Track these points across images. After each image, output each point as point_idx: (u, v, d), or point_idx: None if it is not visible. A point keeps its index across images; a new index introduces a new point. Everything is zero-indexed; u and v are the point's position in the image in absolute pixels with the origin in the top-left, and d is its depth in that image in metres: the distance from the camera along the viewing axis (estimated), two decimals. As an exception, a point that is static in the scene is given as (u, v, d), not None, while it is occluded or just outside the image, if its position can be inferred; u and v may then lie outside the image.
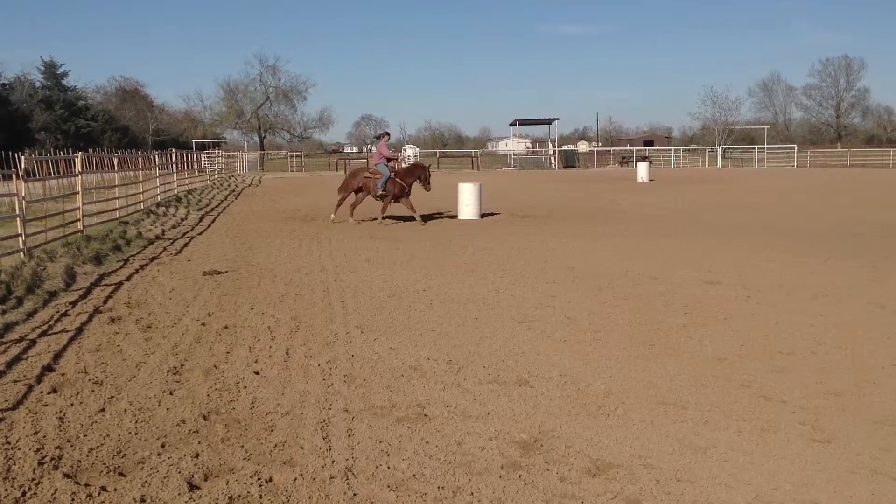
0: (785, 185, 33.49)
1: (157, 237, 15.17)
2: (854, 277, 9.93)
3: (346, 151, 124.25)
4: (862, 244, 13.17)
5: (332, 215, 18.54)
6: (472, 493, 3.92)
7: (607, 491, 3.94)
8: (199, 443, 4.57)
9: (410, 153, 60.11)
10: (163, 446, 4.53)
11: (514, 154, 66.36)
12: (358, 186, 18.36)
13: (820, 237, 14.27)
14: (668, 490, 3.94)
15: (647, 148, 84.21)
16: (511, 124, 69.25)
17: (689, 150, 73.04)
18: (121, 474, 4.17)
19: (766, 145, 65.07)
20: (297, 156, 70.80)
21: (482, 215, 18.76)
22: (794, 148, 63.47)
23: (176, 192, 27.13)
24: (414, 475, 4.12)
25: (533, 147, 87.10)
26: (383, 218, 18.14)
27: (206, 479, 4.10)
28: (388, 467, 4.21)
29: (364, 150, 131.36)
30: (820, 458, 4.33)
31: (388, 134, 19.43)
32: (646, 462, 4.28)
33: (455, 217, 18.90)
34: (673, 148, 73.55)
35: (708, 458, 4.33)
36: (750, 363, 6.18)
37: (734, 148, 72.89)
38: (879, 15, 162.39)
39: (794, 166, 57.78)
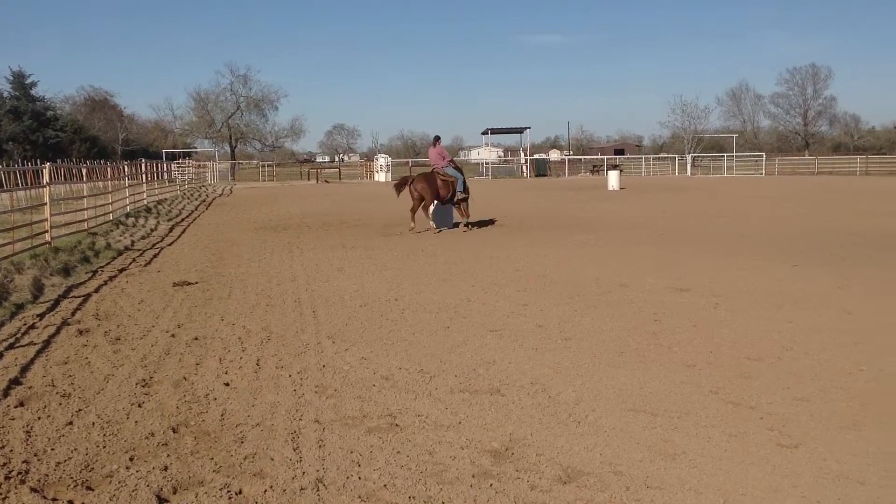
0: (753, 192, 33.83)
1: (127, 248, 15.05)
2: (821, 284, 10.05)
3: (318, 161, 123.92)
4: (829, 251, 13.33)
5: (412, 224, 17.95)
6: (443, 503, 3.92)
7: (578, 498, 3.96)
8: (168, 455, 4.53)
9: (383, 162, 59.99)
10: (131, 459, 4.49)
11: (486, 163, 66.59)
12: (421, 192, 17.94)
13: (788, 244, 14.43)
14: (637, 497, 3.97)
15: (617, 156, 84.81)
16: (483, 133, 69.55)
17: (659, 158, 73.70)
18: (88, 488, 4.13)
19: (734, 153, 65.71)
20: (268, 165, 70.52)
21: (454, 224, 18.77)
22: (762, 156, 64.20)
23: (146, 202, 26.94)
24: (385, 485, 4.12)
25: (505, 156, 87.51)
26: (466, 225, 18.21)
27: (174, 493, 4.06)
28: (359, 478, 4.20)
29: (336, 159, 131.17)
30: (788, 463, 4.38)
31: (438, 137, 19.33)
32: (616, 469, 4.30)
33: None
34: (643, 156, 74.14)
35: (677, 465, 4.36)
36: (718, 369, 6.23)
37: (704, 156, 73.55)
38: (846, 24, 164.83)
39: (762, 174, 58.38)
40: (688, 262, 12.19)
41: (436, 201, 18.21)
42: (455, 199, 18.27)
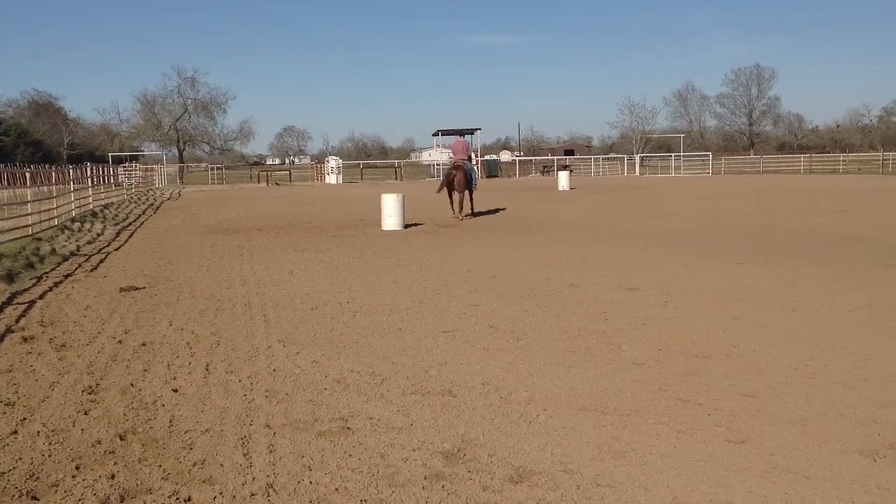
0: (700, 191, 34.31)
1: (73, 253, 14.77)
2: (767, 281, 10.22)
3: (268, 163, 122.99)
4: (774, 249, 13.56)
5: (455, 214, 20.96)
6: (394, 505, 3.92)
7: (529, 498, 3.97)
8: (116, 463, 4.46)
9: (333, 164, 59.72)
10: (77, 468, 4.41)
11: (437, 164, 66.57)
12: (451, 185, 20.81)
13: (734, 242, 14.66)
14: (588, 495, 4.00)
15: (567, 157, 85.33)
16: (434, 134, 69.41)
17: (608, 158, 74.40)
18: (34, 498, 4.04)
19: (682, 153, 66.62)
20: (217, 168, 69.79)
21: (406, 226, 18.76)
22: (709, 155, 65.15)
23: (92, 206, 26.48)
24: (336, 489, 4.10)
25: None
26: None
27: (122, 501, 4.00)
28: (311, 482, 4.18)
29: (287, 161, 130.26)
30: (735, 458, 4.44)
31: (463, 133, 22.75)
32: (567, 468, 4.33)
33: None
34: (593, 156, 74.72)
35: (627, 462, 4.40)
36: (667, 367, 6.31)
37: (652, 156, 74.40)
38: (789, 25, 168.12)
39: (709, 173, 59.24)
40: (637, 261, 12.32)
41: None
42: (473, 188, 21.06)
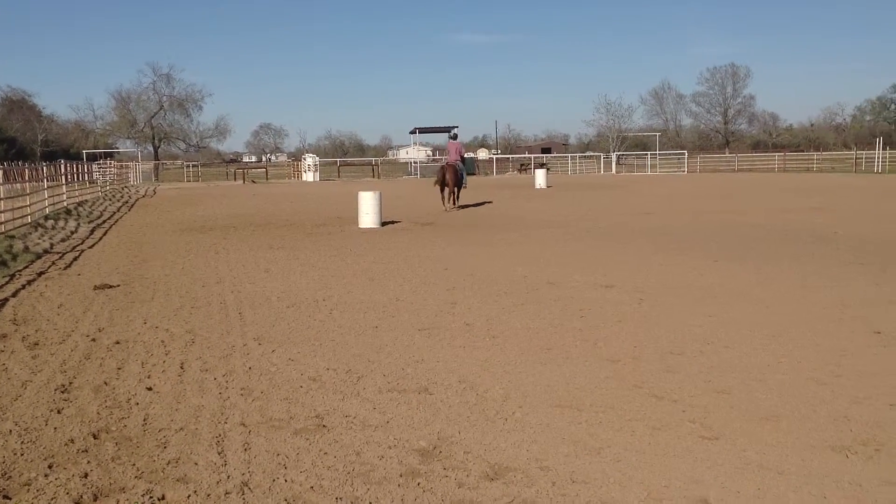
0: (676, 189, 34.51)
1: (46, 251, 14.63)
2: (741, 279, 10.30)
3: (244, 161, 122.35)
4: (748, 247, 13.67)
5: (445, 207, 23.59)
6: (370, 503, 3.91)
7: (504, 495, 3.98)
8: (89, 462, 4.43)
9: (310, 162, 59.52)
10: (50, 467, 4.37)
11: (414, 162, 66.51)
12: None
13: (709, 240, 14.76)
14: (563, 492, 4.01)
15: (544, 155, 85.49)
16: (411, 132, 69.50)
17: (585, 156, 74.65)
18: (6, 497, 4.01)
19: (657, 151, 66.90)
20: (193, 166, 69.36)
21: (383, 223, 18.74)
22: (684, 153, 65.49)
23: (66, 204, 26.23)
24: (312, 487, 4.09)
25: (433, 155, 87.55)
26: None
27: (95, 500, 3.97)
28: (286, 480, 4.16)
29: (263, 158, 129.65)
30: (709, 454, 4.47)
31: (455, 133, 26.30)
32: (542, 465, 4.34)
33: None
34: (570, 155, 74.95)
35: (602, 459, 4.42)
36: (642, 364, 6.34)
37: (628, 154, 74.73)
38: (763, 25, 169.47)
39: (684, 171, 59.53)
40: (613, 259, 12.37)
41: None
42: (462, 186, 24.04)
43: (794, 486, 4.04)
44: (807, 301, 8.75)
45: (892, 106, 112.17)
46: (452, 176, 23.37)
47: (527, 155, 79.44)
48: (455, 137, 25.72)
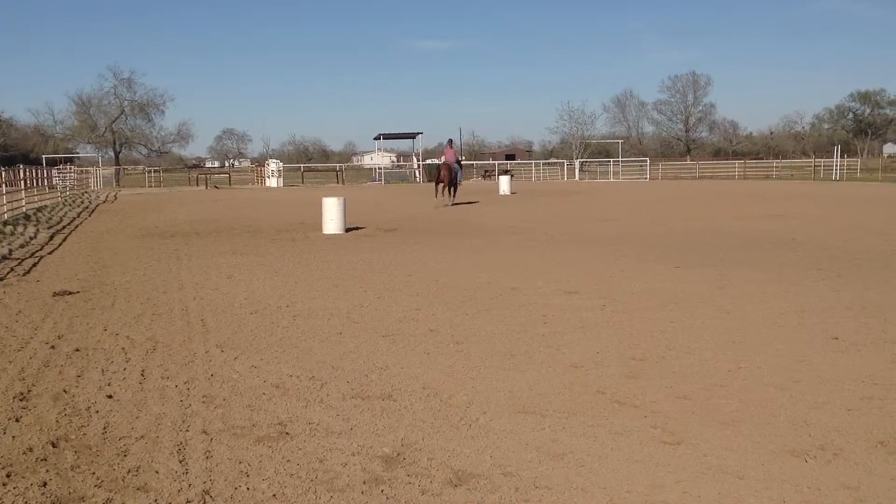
0: (638, 196, 34.81)
1: (4, 257, 14.39)
2: (702, 285, 10.41)
3: (207, 166, 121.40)
4: (709, 253, 13.82)
5: (440, 199, 27.94)
6: (333, 511, 3.90)
7: (468, 501, 3.99)
8: (48, 471, 4.36)
9: (274, 167, 59.19)
10: (8, 476, 4.30)
11: (378, 168, 66.45)
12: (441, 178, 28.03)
13: (671, 246, 14.89)
14: (526, 497, 4.02)
15: (508, 161, 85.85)
16: (375, 138, 69.45)
17: (548, 163, 75.15)
18: (-40, 509, 3.94)
19: (620, 158, 67.49)
20: (155, 171, 68.63)
21: (347, 229, 18.68)
22: (646, 161, 66.15)
23: (24, 209, 25.85)
24: (274, 495, 4.06)
25: (398, 161, 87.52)
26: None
27: (54, 510, 3.91)
28: (248, 488, 4.13)
29: (226, 164, 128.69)
30: (670, 459, 4.51)
31: (451, 140, 30.77)
32: (505, 470, 4.35)
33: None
34: (533, 161, 75.38)
35: (565, 465, 4.44)
36: (605, 370, 6.38)
37: (591, 161, 75.27)
38: (724, 33, 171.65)
39: (647, 178, 60.13)
40: (576, 265, 12.44)
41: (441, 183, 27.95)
42: (457, 183, 28.84)
43: (754, 491, 4.09)
44: (766, 307, 8.86)
45: (850, 114, 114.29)
46: (447, 174, 27.70)
47: (491, 161, 79.71)
48: (451, 143, 30.21)
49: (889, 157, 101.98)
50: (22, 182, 28.23)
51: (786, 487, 4.13)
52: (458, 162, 29.80)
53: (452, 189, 28.37)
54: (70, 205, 32.49)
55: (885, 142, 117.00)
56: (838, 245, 14.75)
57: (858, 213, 23.46)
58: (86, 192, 46.47)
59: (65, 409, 5.50)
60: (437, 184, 28.24)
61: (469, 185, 52.35)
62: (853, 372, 6.24)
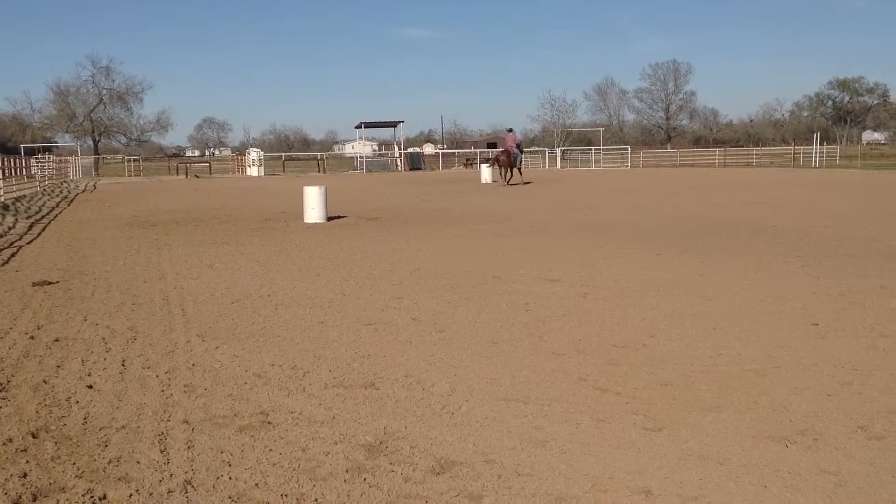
0: (619, 184, 34.88)
1: (-19, 247, 14.26)
2: (683, 272, 10.46)
3: (188, 155, 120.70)
4: (690, 240, 13.88)
5: (499, 181, 33.51)
6: (315, 500, 3.89)
7: (451, 489, 3.99)
8: (28, 462, 4.33)
9: (255, 156, 58.90)
10: (-13, 468, 4.27)
11: (360, 156, 66.27)
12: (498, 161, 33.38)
13: (652, 234, 14.95)
14: (509, 484, 4.03)
15: (490, 150, 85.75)
16: (357, 127, 69.23)
17: (530, 151, 75.00)
18: (-61, 501, 3.90)
19: (601, 147, 67.62)
20: (134, 160, 68.15)
21: (329, 218, 18.63)
22: (627, 149, 66.25)
23: (2, 199, 25.60)
24: (256, 484, 4.05)
25: (379, 149, 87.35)
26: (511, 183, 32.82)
27: (34, 500, 3.89)
28: (230, 478, 4.12)
29: (207, 153, 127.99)
30: (652, 446, 4.53)
31: (512, 129, 35.94)
32: (488, 458, 4.36)
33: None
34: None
35: (547, 451, 4.46)
36: (587, 357, 6.40)
37: (573, 149, 75.32)
38: (704, 21, 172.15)
39: (628, 166, 60.27)
40: (558, 253, 12.46)
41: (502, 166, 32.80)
42: (516, 166, 33.02)
43: (734, 476, 4.12)
44: (746, 294, 8.91)
45: (829, 102, 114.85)
46: (506, 158, 32.43)
47: (473, 150, 79.65)
48: (511, 131, 35.04)
49: (868, 144, 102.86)
50: (0, 171, 27.92)
51: (766, 472, 4.16)
52: (519, 146, 33.82)
53: (511, 170, 32.65)
54: (49, 194, 32.23)
55: (863, 129, 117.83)
56: (818, 232, 14.85)
57: (838, 200, 23.61)
58: (65, 181, 46.05)
59: (45, 399, 5.46)
60: (499, 166, 33.02)
61: (450, 174, 52.36)
62: (833, 358, 6.29)
